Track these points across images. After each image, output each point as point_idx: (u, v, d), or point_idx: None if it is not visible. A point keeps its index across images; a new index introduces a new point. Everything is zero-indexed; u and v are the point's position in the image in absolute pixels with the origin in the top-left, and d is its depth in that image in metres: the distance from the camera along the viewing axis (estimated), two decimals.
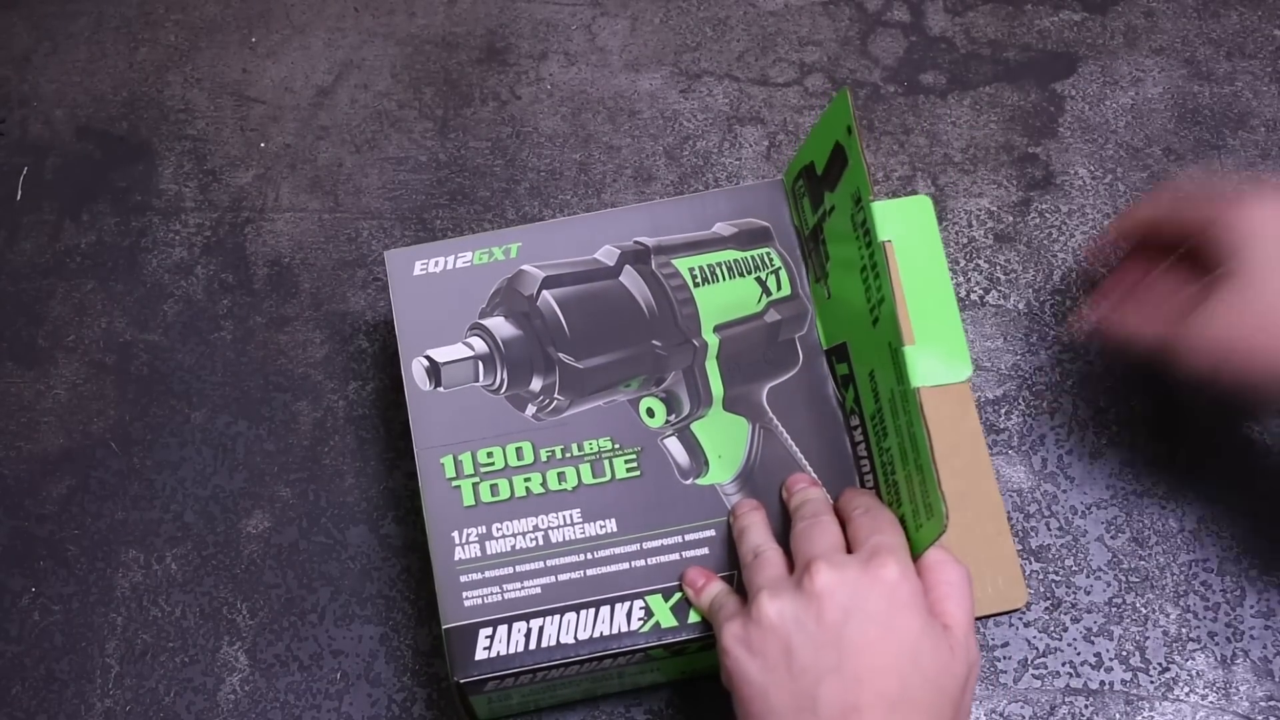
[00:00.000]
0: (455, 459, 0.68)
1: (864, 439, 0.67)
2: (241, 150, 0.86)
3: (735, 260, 0.71)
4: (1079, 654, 0.72)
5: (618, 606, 0.66)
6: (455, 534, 0.67)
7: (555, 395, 0.69)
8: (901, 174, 0.83)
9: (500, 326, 0.69)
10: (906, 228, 0.63)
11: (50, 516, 0.77)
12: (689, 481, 0.68)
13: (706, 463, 0.68)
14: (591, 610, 0.66)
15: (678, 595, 0.66)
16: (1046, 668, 0.72)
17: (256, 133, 0.86)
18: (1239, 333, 0.60)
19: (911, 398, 0.61)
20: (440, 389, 0.69)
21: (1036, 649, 0.72)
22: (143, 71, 0.88)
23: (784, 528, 0.66)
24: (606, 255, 0.71)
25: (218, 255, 0.83)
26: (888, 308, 0.62)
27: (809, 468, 0.68)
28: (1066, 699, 0.71)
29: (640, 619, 0.65)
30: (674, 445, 0.69)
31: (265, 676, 0.73)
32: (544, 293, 0.70)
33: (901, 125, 0.84)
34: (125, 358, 0.81)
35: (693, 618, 0.65)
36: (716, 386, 0.70)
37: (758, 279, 0.71)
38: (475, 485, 0.68)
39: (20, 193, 0.85)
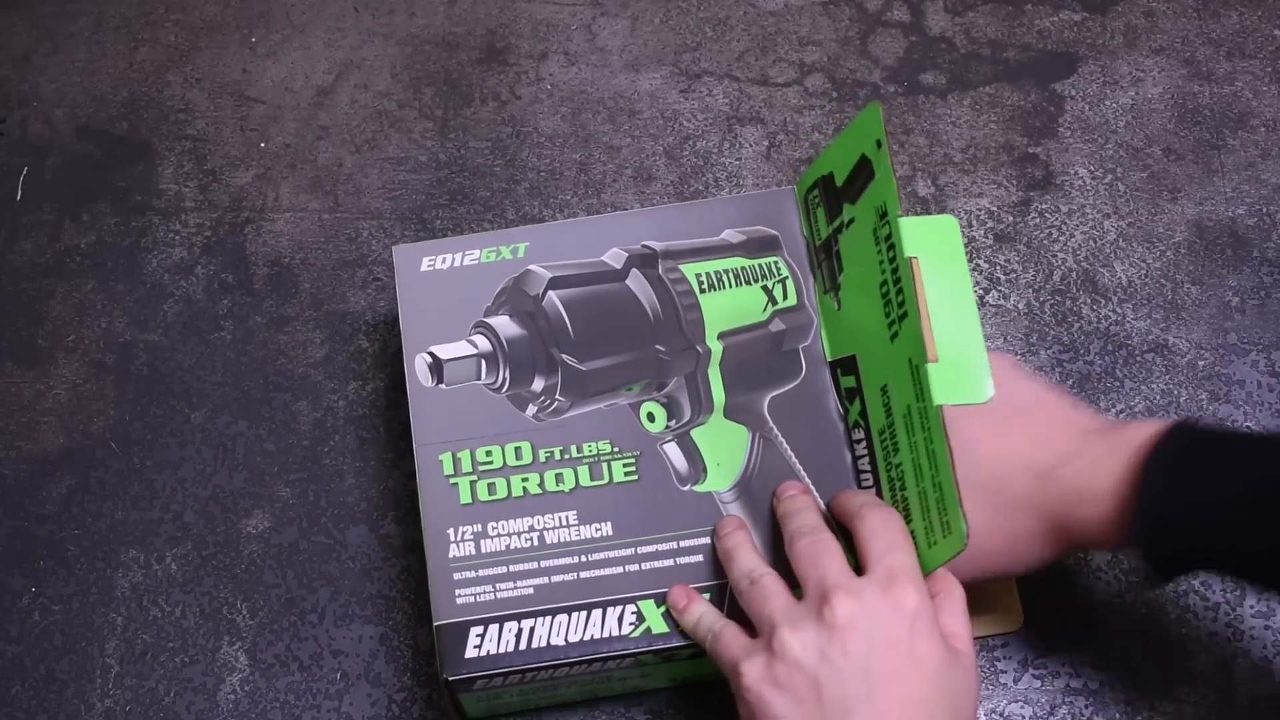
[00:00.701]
0: (454, 456, 0.68)
1: (868, 453, 0.67)
2: (241, 150, 0.86)
3: (742, 268, 0.71)
4: (1079, 654, 0.72)
5: (610, 610, 0.65)
6: (451, 531, 0.67)
7: (556, 396, 0.69)
8: (901, 174, 0.83)
9: (504, 325, 0.69)
10: (931, 246, 0.63)
11: (50, 516, 0.77)
12: (686, 488, 0.68)
13: (705, 470, 0.68)
14: (583, 613, 0.65)
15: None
16: (1046, 668, 0.72)
17: (256, 133, 0.86)
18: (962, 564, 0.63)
19: (934, 414, 0.60)
20: (442, 386, 0.69)
21: (1036, 649, 0.72)
22: (143, 71, 0.88)
23: (773, 536, 0.66)
24: (613, 258, 0.71)
25: (218, 255, 0.83)
26: (911, 323, 0.62)
27: (807, 479, 0.68)
28: (1066, 699, 0.71)
29: (632, 624, 0.65)
30: (673, 451, 0.68)
31: (265, 676, 0.73)
32: (549, 293, 0.70)
33: (901, 125, 0.84)
34: (125, 358, 0.81)
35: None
36: (718, 394, 0.69)
37: (764, 287, 0.71)
38: (473, 483, 0.68)
39: (20, 193, 0.85)
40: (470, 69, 0.87)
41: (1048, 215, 0.82)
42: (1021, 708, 0.71)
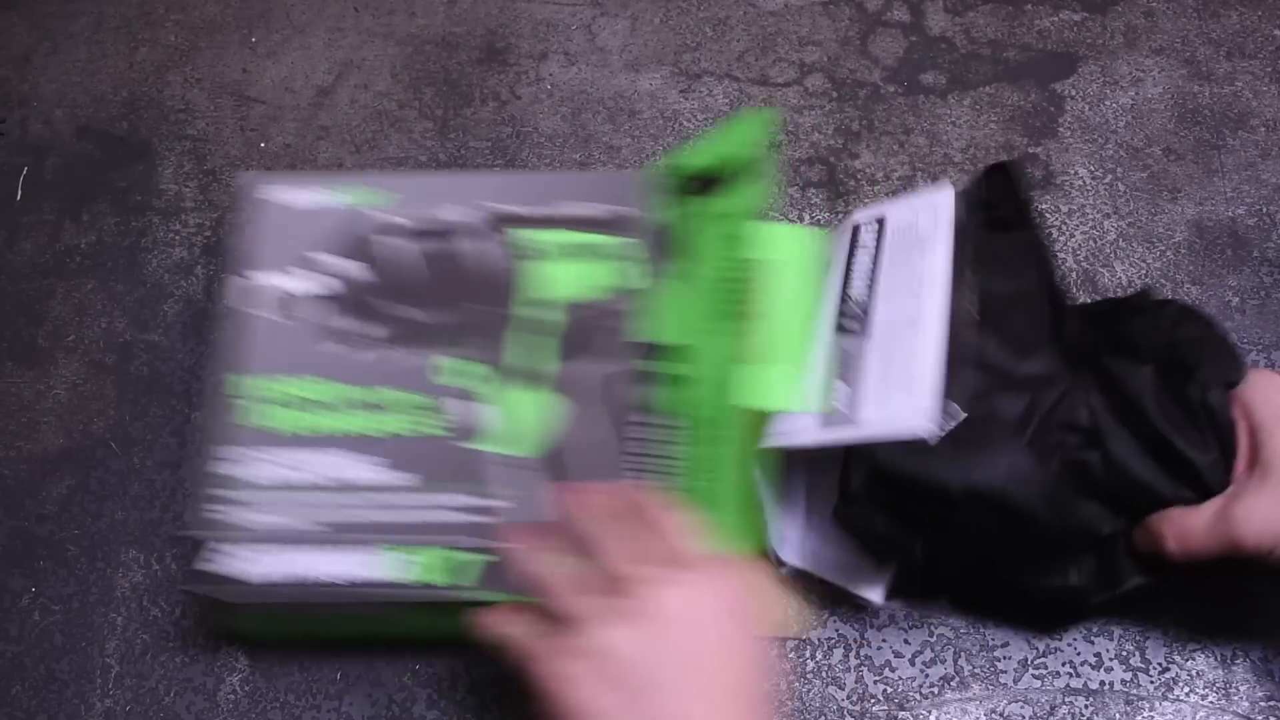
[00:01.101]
0: (256, 381, 0.69)
1: (685, 441, 0.67)
2: (241, 150, 0.86)
3: (591, 243, 0.72)
4: (1079, 654, 0.72)
5: (388, 554, 0.66)
6: (226, 449, 0.68)
7: (381, 342, 0.69)
8: (901, 174, 0.83)
9: (347, 268, 0.70)
10: (787, 254, 0.64)
11: (50, 516, 0.77)
12: (495, 450, 0.68)
13: (519, 434, 0.68)
14: (355, 551, 0.66)
15: (449, 554, 0.66)
16: (1046, 668, 0.72)
17: (256, 133, 0.86)
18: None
19: (739, 414, 0.62)
20: (263, 314, 0.70)
21: (1036, 649, 0.72)
22: (143, 71, 0.88)
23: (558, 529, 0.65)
24: (468, 215, 0.72)
25: (218, 255, 0.83)
26: (744, 324, 0.63)
27: (620, 459, 0.67)
28: (1066, 699, 0.71)
29: (404, 568, 0.66)
30: (488, 411, 0.69)
31: (265, 676, 0.73)
32: (390, 240, 0.70)
33: (901, 125, 0.84)
34: (125, 358, 0.81)
35: (456, 578, 0.65)
36: (547, 363, 0.70)
37: (610, 265, 0.71)
38: (269, 410, 0.69)
39: (20, 193, 0.85)
40: (470, 69, 0.87)
41: (1048, 215, 0.82)
42: (1021, 708, 0.71)
